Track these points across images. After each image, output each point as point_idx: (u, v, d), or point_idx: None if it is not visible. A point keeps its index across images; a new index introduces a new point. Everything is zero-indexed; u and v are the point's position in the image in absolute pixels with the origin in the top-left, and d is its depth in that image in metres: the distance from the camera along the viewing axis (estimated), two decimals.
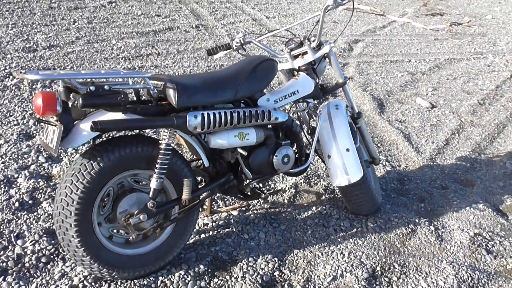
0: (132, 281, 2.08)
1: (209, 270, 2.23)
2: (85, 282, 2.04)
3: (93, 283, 2.04)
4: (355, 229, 2.68)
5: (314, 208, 2.84)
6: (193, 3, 7.78)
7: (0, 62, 4.39)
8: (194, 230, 2.48)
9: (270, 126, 2.37)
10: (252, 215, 2.69)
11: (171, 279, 2.12)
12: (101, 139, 2.24)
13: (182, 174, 2.09)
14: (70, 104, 1.83)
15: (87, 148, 1.94)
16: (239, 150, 2.22)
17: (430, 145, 3.89)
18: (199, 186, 2.23)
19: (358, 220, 2.77)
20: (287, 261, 2.38)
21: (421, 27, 8.14)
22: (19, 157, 2.97)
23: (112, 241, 2.04)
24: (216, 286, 2.14)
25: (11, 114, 3.47)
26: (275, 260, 2.36)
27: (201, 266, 2.22)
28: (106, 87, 1.81)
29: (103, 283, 2.05)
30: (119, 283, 2.06)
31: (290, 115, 2.38)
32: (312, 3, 9.14)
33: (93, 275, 2.07)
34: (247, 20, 7.14)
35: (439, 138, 4.04)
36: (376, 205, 2.76)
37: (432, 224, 2.78)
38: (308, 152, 2.53)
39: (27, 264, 2.12)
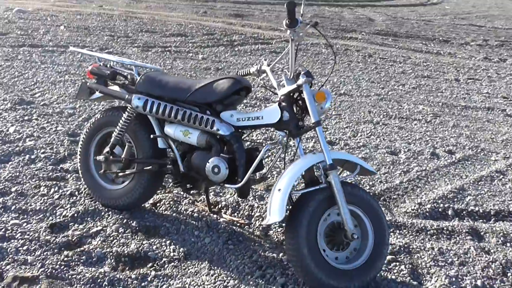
0: (94, 201, 2.96)
1: (138, 228, 2.76)
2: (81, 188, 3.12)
3: (82, 193, 3.08)
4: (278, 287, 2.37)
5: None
6: None
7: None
8: (179, 205, 3.00)
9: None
10: (229, 229, 2.84)
11: (111, 216, 2.84)
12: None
13: (140, 143, 2.76)
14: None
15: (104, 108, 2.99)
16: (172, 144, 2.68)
17: None
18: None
19: (299, 286, 2.39)
20: (187, 264, 2.51)
21: None
22: None
23: (103, 175, 2.95)
24: (124, 236, 2.67)
25: None
26: (181, 256, 2.56)
27: (134, 223, 2.79)
28: (108, 66, 2.83)
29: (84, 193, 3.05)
30: (88, 198, 3.00)
31: (235, 133, 2.51)
32: None
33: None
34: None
35: None
36: (316, 281, 2.28)
37: None
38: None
39: None
